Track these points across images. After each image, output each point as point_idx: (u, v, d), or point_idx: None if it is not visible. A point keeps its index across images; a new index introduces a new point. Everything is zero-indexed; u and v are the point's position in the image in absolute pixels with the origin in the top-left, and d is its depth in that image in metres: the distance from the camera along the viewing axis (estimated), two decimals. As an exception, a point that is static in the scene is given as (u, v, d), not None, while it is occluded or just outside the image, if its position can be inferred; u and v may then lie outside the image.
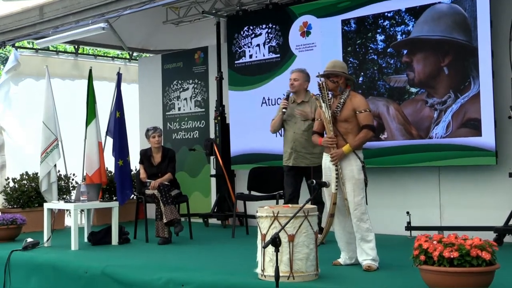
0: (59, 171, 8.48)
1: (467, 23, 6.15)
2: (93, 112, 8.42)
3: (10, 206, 8.21)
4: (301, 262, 4.17)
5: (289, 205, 4.80)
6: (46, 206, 6.67)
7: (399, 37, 6.65)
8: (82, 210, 7.79)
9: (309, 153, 6.05)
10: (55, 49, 10.34)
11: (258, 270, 4.29)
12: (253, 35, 7.93)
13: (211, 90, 8.84)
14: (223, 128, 8.24)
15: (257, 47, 7.88)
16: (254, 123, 7.77)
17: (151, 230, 6.74)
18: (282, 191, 6.70)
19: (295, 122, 6.13)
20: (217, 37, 8.50)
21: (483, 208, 6.21)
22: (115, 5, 7.00)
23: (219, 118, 8.27)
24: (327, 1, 7.19)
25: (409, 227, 6.36)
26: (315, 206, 4.42)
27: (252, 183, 7.15)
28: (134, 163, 8.33)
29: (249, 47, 7.96)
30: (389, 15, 6.72)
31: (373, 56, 6.88)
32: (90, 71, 8.63)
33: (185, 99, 9.25)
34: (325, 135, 4.86)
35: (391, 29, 6.71)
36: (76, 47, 10.06)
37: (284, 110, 6.11)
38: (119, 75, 8.63)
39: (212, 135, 8.59)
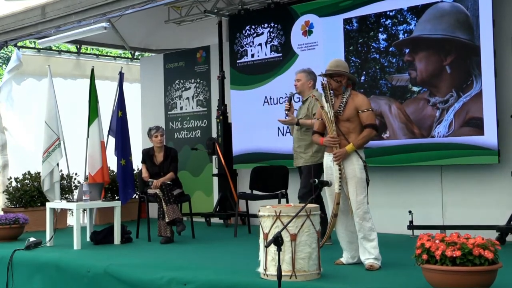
0: (61, 170, 8.49)
1: (469, 21, 6.14)
2: (95, 112, 8.42)
3: (13, 206, 8.22)
4: (303, 261, 4.16)
5: (291, 204, 4.80)
6: (48, 205, 6.68)
7: (401, 36, 6.64)
8: (84, 210, 7.81)
9: (303, 152, 6.02)
10: (57, 49, 10.32)
11: (260, 269, 4.29)
12: (255, 34, 7.92)
13: (213, 89, 8.84)
14: (225, 127, 8.23)
15: (259, 46, 7.88)
16: (256, 122, 7.77)
17: (153, 229, 6.74)
18: (284, 190, 6.70)
19: None
20: (219, 36, 8.50)
21: (485, 207, 6.20)
22: (117, 5, 7.00)
23: (221, 117, 8.26)
24: (329, 0, 7.18)
25: (411, 226, 6.35)
26: (317, 205, 4.41)
27: (254, 182, 7.13)
28: (137, 162, 8.34)
29: (251, 46, 7.96)
30: (391, 14, 6.72)
31: (375, 55, 6.87)
32: (92, 70, 8.63)
33: (187, 98, 9.25)
34: (326, 135, 4.86)
35: (393, 28, 6.70)
36: (78, 46, 10.07)
37: (286, 112, 6.09)
38: (121, 74, 8.65)
39: (214, 135, 8.59)
